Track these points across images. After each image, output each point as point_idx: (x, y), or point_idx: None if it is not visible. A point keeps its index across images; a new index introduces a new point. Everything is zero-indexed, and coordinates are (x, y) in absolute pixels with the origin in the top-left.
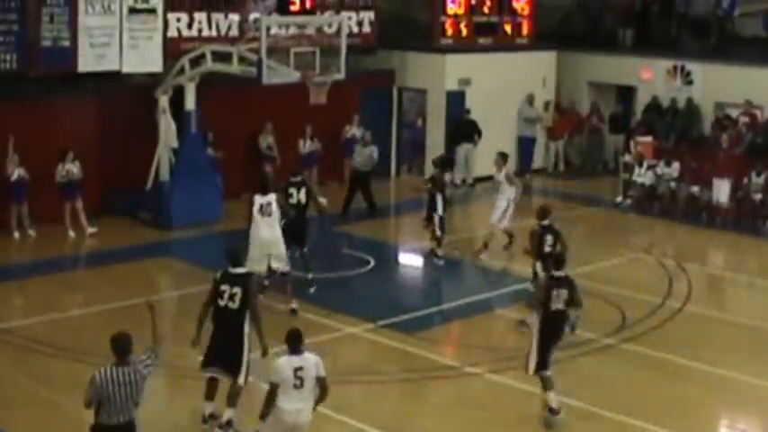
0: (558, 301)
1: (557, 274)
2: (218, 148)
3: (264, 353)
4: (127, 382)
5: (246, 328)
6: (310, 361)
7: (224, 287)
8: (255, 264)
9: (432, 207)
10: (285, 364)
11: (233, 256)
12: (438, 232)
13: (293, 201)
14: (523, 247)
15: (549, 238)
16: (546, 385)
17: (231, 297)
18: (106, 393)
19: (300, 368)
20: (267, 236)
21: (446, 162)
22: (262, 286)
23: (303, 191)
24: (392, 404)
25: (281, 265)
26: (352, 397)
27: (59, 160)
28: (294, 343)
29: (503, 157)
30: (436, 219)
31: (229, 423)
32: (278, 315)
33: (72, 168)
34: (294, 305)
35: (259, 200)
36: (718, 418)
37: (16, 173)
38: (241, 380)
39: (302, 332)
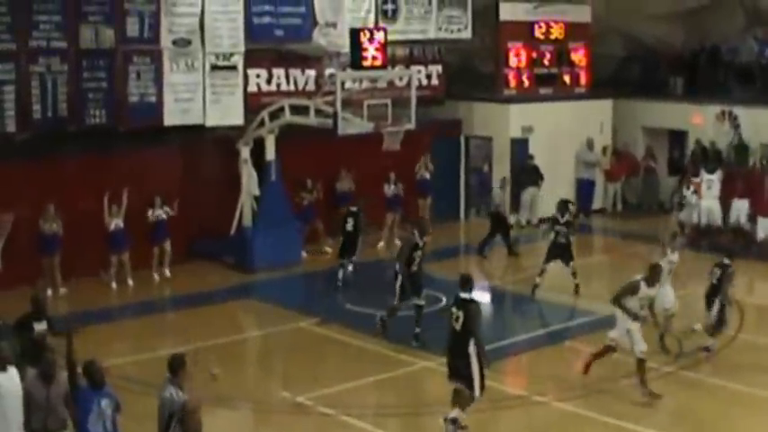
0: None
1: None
2: (314, 190)
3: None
4: None
5: (471, 349)
6: None
7: (453, 309)
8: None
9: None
10: None
11: (462, 281)
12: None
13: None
14: None
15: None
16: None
17: (456, 319)
18: None
19: None
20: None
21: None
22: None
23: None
24: None
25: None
26: (428, 428)
27: (149, 206)
28: None
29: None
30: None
31: (454, 421)
32: None
33: (161, 213)
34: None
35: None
36: None
37: (114, 223)
38: (477, 392)
39: None
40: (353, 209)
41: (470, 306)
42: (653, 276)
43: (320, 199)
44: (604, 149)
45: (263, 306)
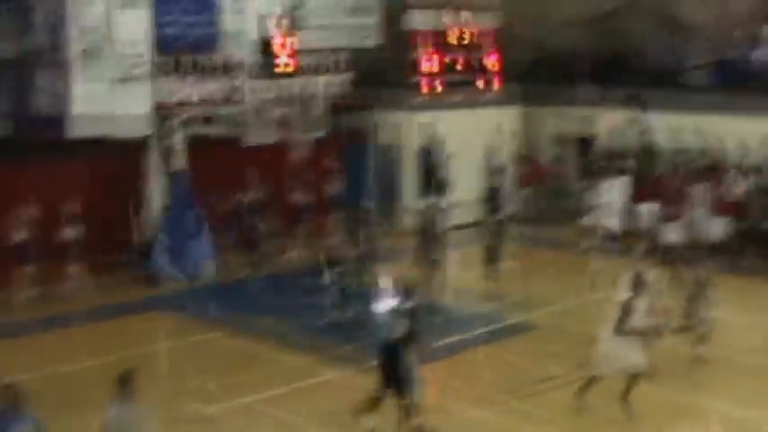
0: None
1: None
2: (232, 200)
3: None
4: None
5: (410, 356)
6: None
7: (394, 317)
8: None
9: None
10: None
11: (404, 289)
12: None
13: None
14: None
15: None
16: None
17: (397, 327)
18: None
19: None
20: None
21: None
22: None
23: None
24: None
25: None
26: None
27: (59, 225)
28: None
29: None
30: None
31: (420, 428)
32: None
33: (70, 231)
34: None
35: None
36: None
37: (18, 236)
38: (415, 397)
39: None
40: (255, 211)
41: (412, 314)
42: (638, 287)
43: (236, 209)
44: (513, 156)
45: (172, 318)
